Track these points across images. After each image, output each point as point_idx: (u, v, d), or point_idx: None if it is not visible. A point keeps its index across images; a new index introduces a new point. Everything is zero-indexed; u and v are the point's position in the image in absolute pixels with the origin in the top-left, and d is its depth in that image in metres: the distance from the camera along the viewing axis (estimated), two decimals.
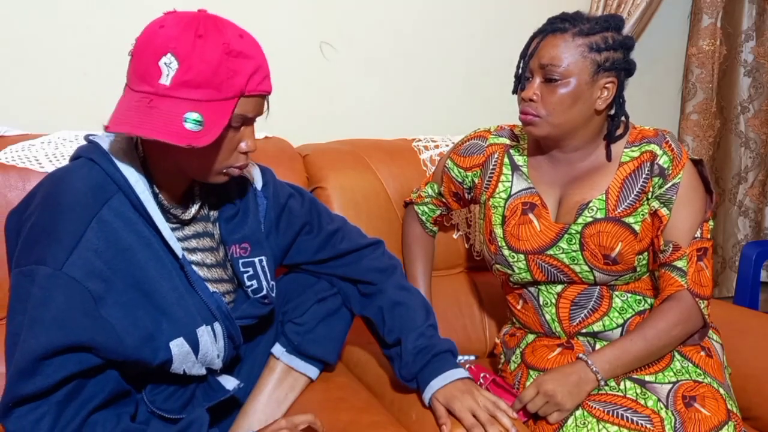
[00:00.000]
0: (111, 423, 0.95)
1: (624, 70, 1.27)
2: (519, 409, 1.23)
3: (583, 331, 1.36)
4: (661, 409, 1.21)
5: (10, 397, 0.88)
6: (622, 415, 1.20)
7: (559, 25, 1.25)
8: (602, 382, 1.24)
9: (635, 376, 1.27)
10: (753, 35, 2.52)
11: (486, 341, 1.73)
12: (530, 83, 1.27)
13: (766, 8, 2.50)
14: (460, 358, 1.33)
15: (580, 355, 1.26)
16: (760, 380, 1.43)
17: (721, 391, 1.25)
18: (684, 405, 1.21)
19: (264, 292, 1.14)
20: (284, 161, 1.58)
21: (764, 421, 1.42)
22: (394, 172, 1.69)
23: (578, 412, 1.22)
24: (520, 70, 1.31)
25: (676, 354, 1.31)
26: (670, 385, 1.25)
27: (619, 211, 1.30)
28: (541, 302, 1.39)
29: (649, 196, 1.30)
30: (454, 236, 1.77)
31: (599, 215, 1.31)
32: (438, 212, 1.60)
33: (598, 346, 1.34)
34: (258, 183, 1.18)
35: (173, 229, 1.04)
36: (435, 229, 1.63)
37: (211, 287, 1.08)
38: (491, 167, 1.44)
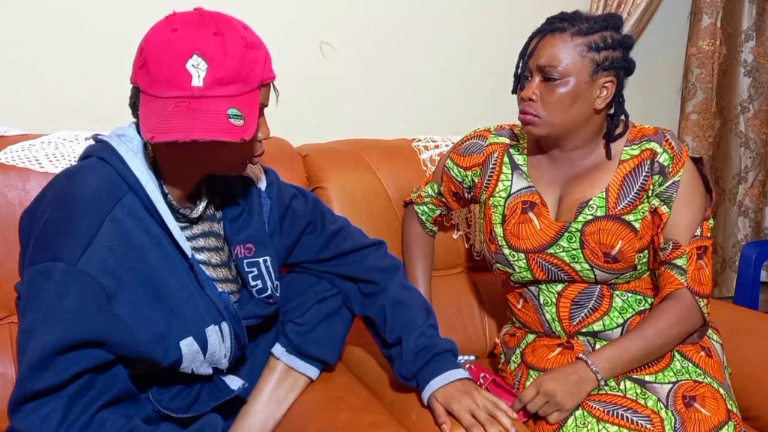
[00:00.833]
0: (120, 422, 0.95)
1: (623, 69, 1.27)
2: (519, 409, 1.23)
3: (583, 330, 1.36)
4: (661, 409, 1.21)
5: (20, 392, 0.88)
6: (622, 415, 1.20)
7: (557, 24, 1.25)
8: (602, 382, 1.24)
9: (635, 376, 1.27)
10: (753, 35, 2.52)
11: (486, 341, 1.73)
12: (529, 83, 1.28)
13: (766, 8, 2.50)
14: (460, 358, 1.33)
15: (580, 355, 1.26)
16: (760, 380, 1.43)
17: (721, 391, 1.25)
18: (684, 405, 1.21)
19: (269, 292, 1.15)
20: (284, 161, 1.58)
21: (764, 421, 1.42)
22: (394, 172, 1.69)
23: (578, 412, 1.22)
24: (519, 70, 1.31)
25: (676, 354, 1.31)
26: (670, 385, 1.25)
27: (619, 208, 1.30)
28: (541, 301, 1.39)
29: (650, 194, 1.30)
30: (454, 236, 1.77)
31: (599, 213, 1.31)
32: (438, 212, 1.60)
33: (598, 346, 1.34)
34: (262, 184, 1.19)
35: (182, 228, 1.05)
36: (435, 228, 1.63)
37: (218, 287, 1.09)
38: (491, 166, 1.44)
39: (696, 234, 1.29)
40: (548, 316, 1.38)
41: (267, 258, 1.15)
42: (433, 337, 1.20)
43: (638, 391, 1.24)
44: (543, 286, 1.39)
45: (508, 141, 1.44)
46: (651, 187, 1.30)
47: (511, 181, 1.40)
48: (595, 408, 1.21)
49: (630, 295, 1.36)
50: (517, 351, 1.44)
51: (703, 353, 1.32)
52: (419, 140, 1.80)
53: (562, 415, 1.21)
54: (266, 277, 1.15)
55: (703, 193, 1.32)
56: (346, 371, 1.37)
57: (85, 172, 0.98)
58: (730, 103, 2.56)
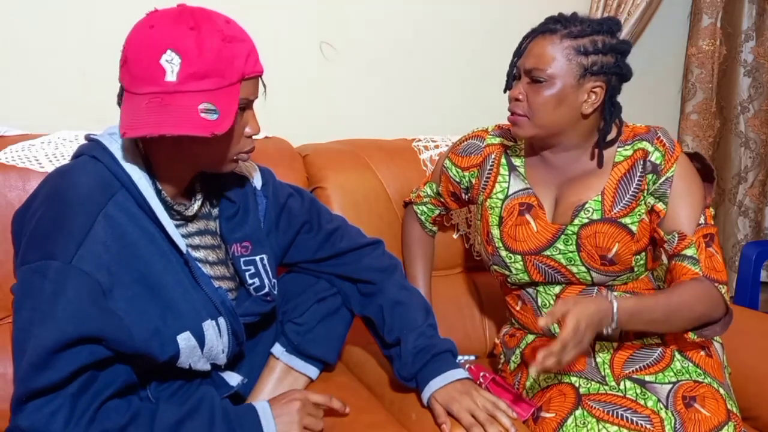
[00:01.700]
0: (123, 408, 0.96)
1: (615, 74, 1.25)
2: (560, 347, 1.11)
3: None
4: (661, 409, 1.21)
5: (22, 391, 0.89)
6: (621, 415, 1.20)
7: (550, 26, 1.25)
8: (613, 325, 1.15)
9: (635, 376, 1.27)
10: (753, 35, 2.52)
11: (486, 341, 1.73)
12: (518, 83, 1.28)
13: (766, 8, 2.50)
14: (460, 358, 1.33)
15: (610, 297, 1.16)
16: (760, 380, 1.43)
17: (721, 391, 1.25)
18: (684, 405, 1.21)
19: (266, 289, 1.15)
20: (284, 161, 1.58)
21: (764, 421, 1.43)
22: (394, 172, 1.69)
23: (578, 412, 1.22)
24: (510, 69, 1.31)
25: (676, 354, 1.31)
26: (670, 386, 1.25)
27: (615, 211, 1.30)
28: (539, 303, 1.39)
29: (645, 194, 1.30)
30: (454, 236, 1.77)
31: (595, 216, 1.31)
32: (437, 212, 1.60)
33: (598, 347, 1.34)
34: (257, 183, 1.19)
35: (177, 226, 1.05)
36: (434, 228, 1.63)
37: (216, 284, 1.09)
38: (488, 167, 1.44)
39: (700, 222, 1.27)
40: None
41: (263, 256, 1.15)
42: (432, 337, 1.20)
43: (638, 391, 1.24)
44: (541, 288, 1.38)
45: (505, 142, 1.44)
46: (646, 187, 1.29)
47: (509, 182, 1.40)
48: (595, 408, 1.21)
49: (628, 295, 1.35)
50: (517, 351, 1.44)
51: (703, 353, 1.32)
52: (419, 140, 1.80)
53: (580, 353, 1.13)
54: (263, 275, 1.15)
55: (700, 184, 1.31)
56: (346, 371, 1.38)
57: (77, 171, 0.99)
58: (730, 103, 2.56)
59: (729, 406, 1.23)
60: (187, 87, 0.91)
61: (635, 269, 1.32)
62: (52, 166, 1.32)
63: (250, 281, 1.14)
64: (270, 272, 1.16)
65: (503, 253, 1.37)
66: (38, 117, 1.58)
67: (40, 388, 0.88)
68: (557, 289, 1.37)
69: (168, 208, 1.04)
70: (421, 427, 1.15)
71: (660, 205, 1.28)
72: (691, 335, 1.26)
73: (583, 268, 1.32)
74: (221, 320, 1.06)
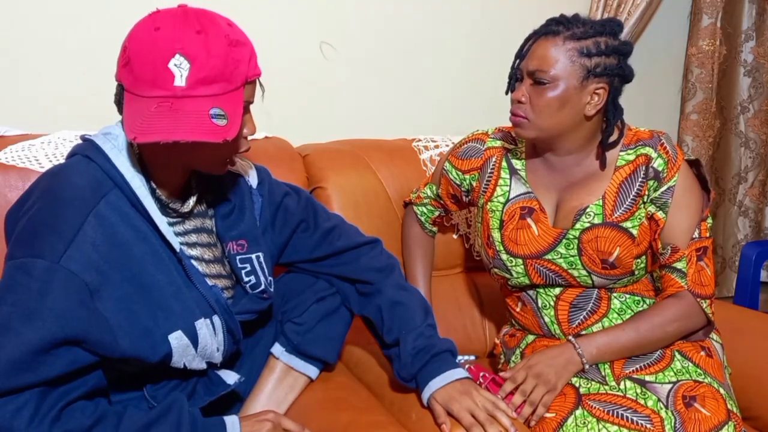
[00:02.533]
0: (89, 409, 0.94)
1: (618, 76, 1.25)
2: (509, 391, 1.24)
3: (583, 332, 1.35)
4: (661, 409, 1.21)
5: None
6: (622, 415, 1.20)
7: (553, 27, 1.24)
8: (586, 366, 1.26)
9: (635, 376, 1.27)
10: (753, 35, 2.52)
11: (486, 341, 1.73)
12: (520, 85, 1.27)
13: (766, 8, 2.50)
14: (460, 358, 1.33)
15: (569, 338, 1.28)
16: (760, 380, 1.43)
17: (721, 391, 1.25)
18: (684, 405, 1.21)
19: (262, 287, 1.15)
20: (284, 161, 1.58)
21: (764, 421, 1.43)
22: (394, 172, 1.69)
23: (578, 412, 1.22)
24: (513, 71, 1.31)
25: (676, 354, 1.31)
26: (670, 385, 1.25)
27: (616, 216, 1.30)
28: (539, 305, 1.39)
29: (645, 200, 1.30)
30: (454, 236, 1.77)
31: (596, 220, 1.31)
32: (437, 213, 1.59)
33: None
34: (253, 181, 1.19)
35: (173, 224, 1.05)
36: (434, 229, 1.63)
37: (210, 282, 1.09)
38: (489, 170, 1.43)
39: (694, 236, 1.29)
40: (547, 320, 1.38)
41: (260, 254, 1.15)
42: (432, 337, 1.20)
43: (638, 390, 1.24)
44: (541, 290, 1.38)
45: (506, 145, 1.44)
46: (646, 192, 1.29)
47: (510, 186, 1.40)
48: (595, 408, 1.21)
49: (628, 296, 1.35)
50: (517, 351, 1.44)
51: (703, 353, 1.32)
52: (419, 140, 1.80)
53: (554, 395, 1.23)
54: (259, 273, 1.15)
55: (700, 195, 1.32)
56: (346, 371, 1.37)
57: (70, 170, 0.99)
58: (730, 103, 2.56)
59: (729, 406, 1.23)
60: (196, 92, 0.91)
61: (636, 272, 1.32)
62: (52, 166, 1.32)
63: (246, 279, 1.14)
64: (266, 270, 1.16)
65: (504, 256, 1.37)
66: (38, 117, 1.59)
67: (16, 387, 0.87)
68: (557, 290, 1.37)
69: (163, 206, 1.04)
70: (421, 427, 1.15)
71: (660, 214, 1.28)
72: None
73: (584, 272, 1.32)
74: (215, 318, 1.06)
